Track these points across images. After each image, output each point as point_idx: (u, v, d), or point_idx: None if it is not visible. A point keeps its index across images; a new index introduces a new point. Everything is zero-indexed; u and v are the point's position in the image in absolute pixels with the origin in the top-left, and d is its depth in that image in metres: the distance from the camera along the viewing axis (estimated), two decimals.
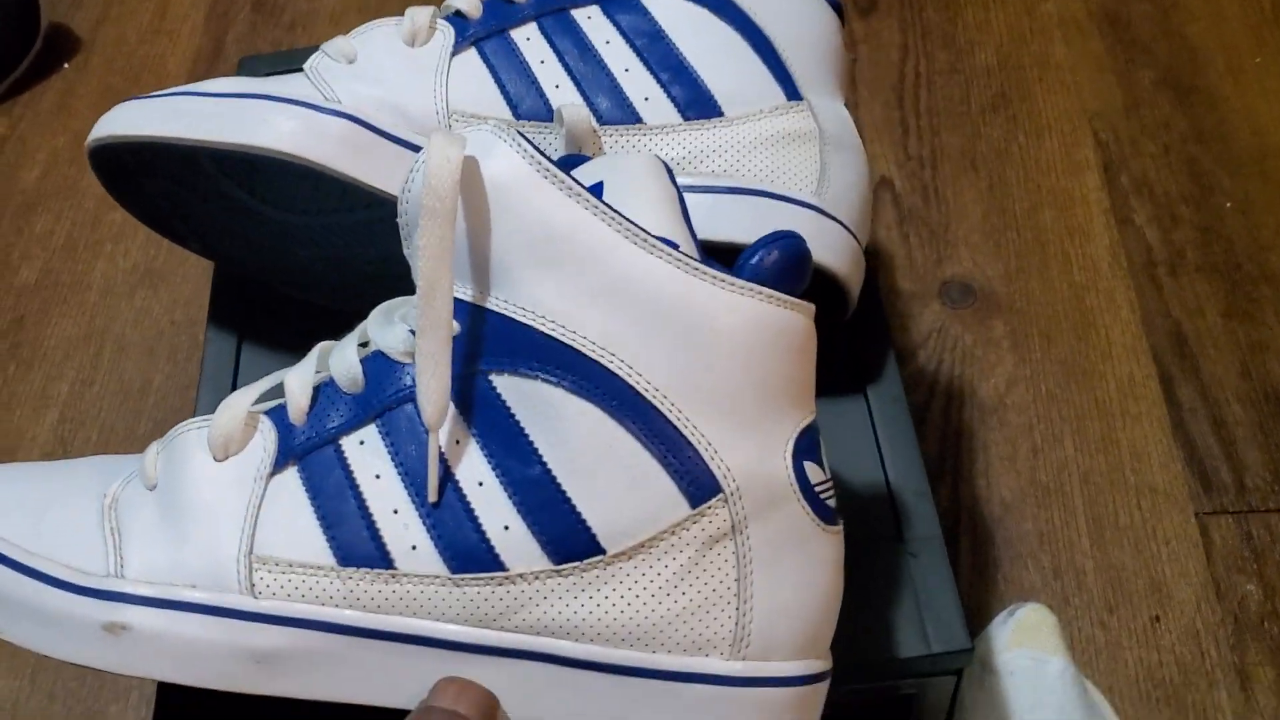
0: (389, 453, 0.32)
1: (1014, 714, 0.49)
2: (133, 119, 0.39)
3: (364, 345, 0.34)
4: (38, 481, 0.36)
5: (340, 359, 0.33)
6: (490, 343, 0.31)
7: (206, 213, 0.42)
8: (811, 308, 0.32)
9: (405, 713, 0.33)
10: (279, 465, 0.33)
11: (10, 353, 0.65)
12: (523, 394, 0.31)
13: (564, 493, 0.31)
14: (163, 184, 0.41)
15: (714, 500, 0.31)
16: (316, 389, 0.33)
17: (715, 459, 0.30)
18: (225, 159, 0.39)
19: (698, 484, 0.31)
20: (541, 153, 0.31)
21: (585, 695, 0.33)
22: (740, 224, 0.38)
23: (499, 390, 0.31)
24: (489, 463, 0.32)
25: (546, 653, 0.32)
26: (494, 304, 0.31)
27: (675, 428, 0.30)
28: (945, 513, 0.57)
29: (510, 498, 0.31)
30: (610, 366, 0.30)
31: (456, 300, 0.32)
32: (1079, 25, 0.75)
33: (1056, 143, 0.70)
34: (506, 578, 0.32)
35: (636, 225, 0.30)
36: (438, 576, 0.32)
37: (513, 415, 0.31)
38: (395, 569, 0.32)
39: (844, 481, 0.40)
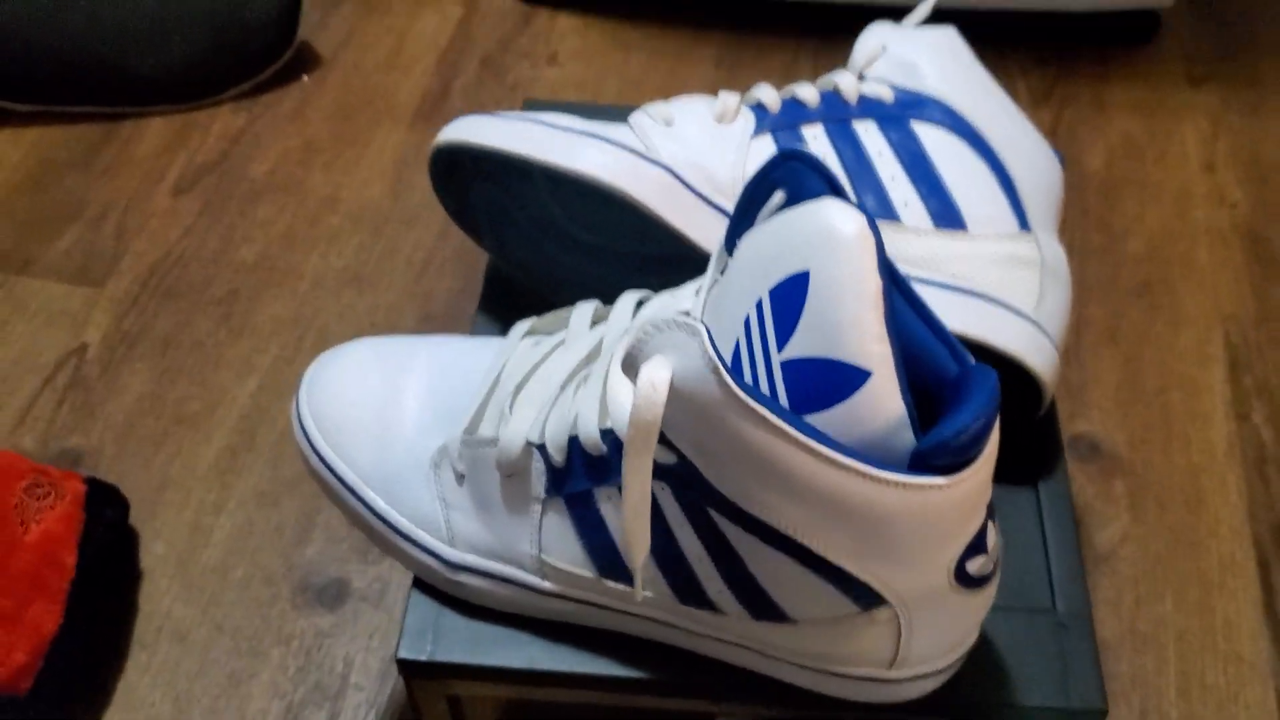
0: None
1: None
2: (489, 132, 0.50)
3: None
4: (374, 407, 0.47)
5: (585, 427, 0.42)
6: (716, 502, 0.39)
7: (518, 220, 0.52)
8: (980, 468, 0.37)
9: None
10: (549, 494, 0.44)
11: (222, 320, 0.75)
12: (739, 535, 0.40)
13: (765, 590, 0.41)
14: (491, 189, 0.51)
15: (881, 606, 0.40)
16: (571, 439, 0.43)
17: (885, 588, 0.40)
18: (558, 180, 0.49)
19: (868, 600, 0.40)
20: (742, 383, 0.36)
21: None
22: (973, 322, 0.48)
23: (719, 525, 0.40)
24: (709, 555, 0.41)
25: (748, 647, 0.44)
26: (712, 480, 0.39)
27: (852, 575, 0.39)
28: None
29: (724, 580, 0.42)
30: (803, 541, 0.38)
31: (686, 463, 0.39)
32: (1223, 236, 0.86)
33: (1191, 335, 0.80)
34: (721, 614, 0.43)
35: (825, 445, 0.36)
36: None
37: (729, 541, 0.40)
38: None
39: (1012, 557, 0.49)
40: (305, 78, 0.89)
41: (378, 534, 0.47)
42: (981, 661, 0.46)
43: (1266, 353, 0.80)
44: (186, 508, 0.67)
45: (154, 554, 0.65)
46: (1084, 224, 0.86)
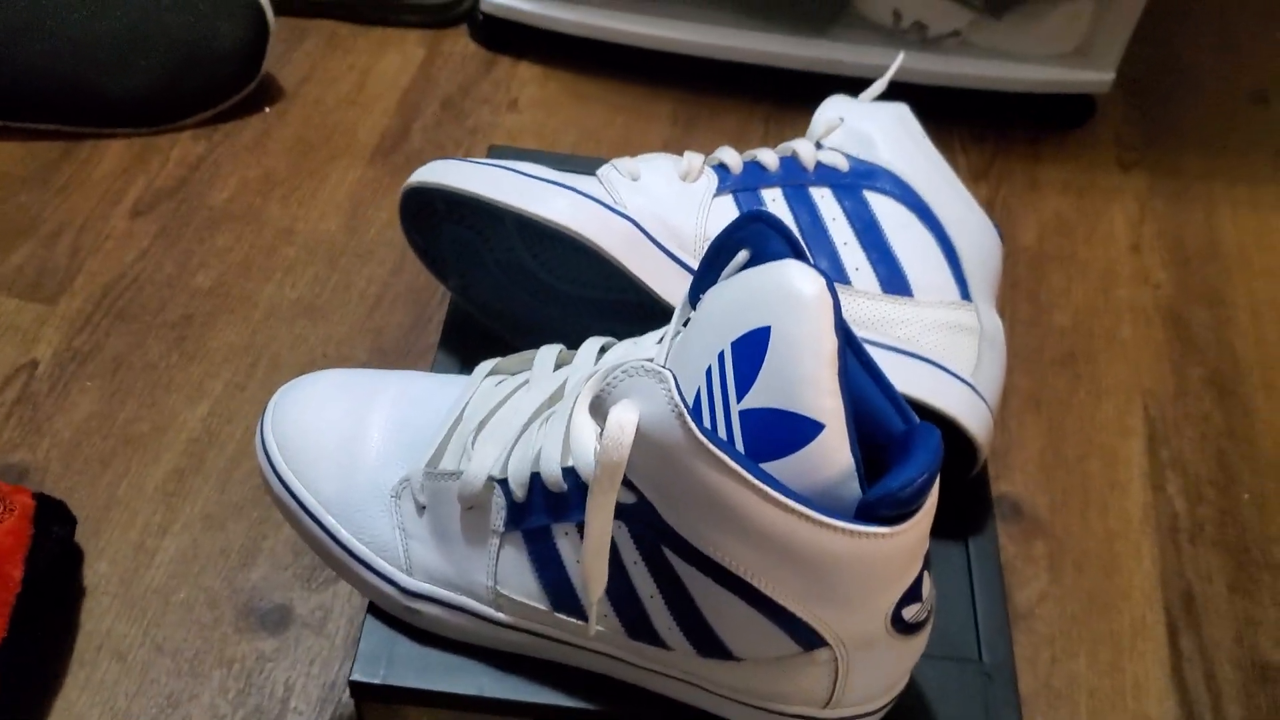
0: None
1: None
2: (464, 176, 0.52)
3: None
4: (339, 436, 0.48)
5: (548, 465, 0.44)
6: (671, 541, 0.42)
7: (487, 262, 0.54)
8: (921, 520, 0.40)
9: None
10: (508, 528, 0.46)
11: (175, 344, 0.76)
12: (691, 574, 0.42)
13: (712, 628, 0.43)
14: (462, 231, 0.54)
15: (822, 648, 0.43)
16: (532, 476, 0.45)
17: (826, 630, 0.42)
18: (528, 226, 0.51)
19: (810, 641, 0.43)
20: (704, 429, 0.39)
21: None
22: (915, 383, 0.51)
23: (673, 563, 0.43)
24: (660, 593, 0.44)
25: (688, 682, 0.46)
26: (669, 520, 0.41)
27: (796, 616, 0.42)
28: None
29: (674, 617, 0.44)
30: (752, 582, 0.41)
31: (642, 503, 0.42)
32: (1146, 315, 0.91)
33: (1111, 407, 0.84)
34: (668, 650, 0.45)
35: (779, 491, 0.39)
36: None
37: (680, 579, 0.43)
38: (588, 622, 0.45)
39: (941, 609, 0.52)
40: (268, 109, 0.90)
41: (336, 559, 0.49)
42: (910, 706, 0.48)
43: (1183, 428, 0.84)
44: (132, 528, 0.67)
45: (97, 572, 0.65)
46: (1014, 295, 0.90)
